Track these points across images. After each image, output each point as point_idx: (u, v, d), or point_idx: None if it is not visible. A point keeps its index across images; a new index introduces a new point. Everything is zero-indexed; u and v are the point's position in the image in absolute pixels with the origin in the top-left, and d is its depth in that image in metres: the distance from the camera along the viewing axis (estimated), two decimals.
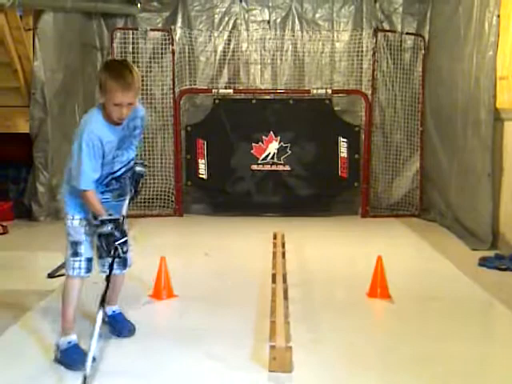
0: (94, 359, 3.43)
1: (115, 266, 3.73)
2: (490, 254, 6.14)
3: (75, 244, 3.68)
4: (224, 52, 9.08)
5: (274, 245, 6.14)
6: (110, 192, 3.79)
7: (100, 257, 3.81)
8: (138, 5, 8.89)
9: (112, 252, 3.56)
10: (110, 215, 3.58)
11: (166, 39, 8.85)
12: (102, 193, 3.72)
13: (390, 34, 8.90)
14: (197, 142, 8.73)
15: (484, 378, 3.54)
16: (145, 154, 8.79)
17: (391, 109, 8.96)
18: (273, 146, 8.71)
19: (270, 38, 9.08)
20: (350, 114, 8.99)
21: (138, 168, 3.89)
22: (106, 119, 3.55)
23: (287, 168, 8.75)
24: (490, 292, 5.03)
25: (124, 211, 3.77)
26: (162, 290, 4.90)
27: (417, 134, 8.83)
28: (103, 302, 3.59)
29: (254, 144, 8.73)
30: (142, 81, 8.82)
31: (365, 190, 8.76)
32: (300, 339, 3.89)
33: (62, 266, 5.66)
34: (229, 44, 9.08)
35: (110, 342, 4.00)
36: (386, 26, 9.00)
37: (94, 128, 3.49)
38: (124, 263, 3.97)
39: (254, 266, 5.92)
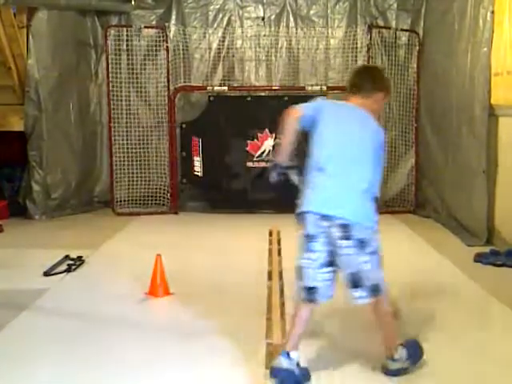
0: None
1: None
2: (486, 249, 6.15)
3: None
4: (218, 49, 9.06)
5: (270, 242, 6.14)
6: None
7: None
8: (132, 2, 8.88)
9: None
10: None
11: (160, 36, 8.82)
12: None
13: (384, 30, 8.91)
14: (192, 139, 8.72)
15: (482, 368, 3.56)
16: (140, 152, 8.80)
17: (386, 105, 8.94)
18: (268, 143, 8.70)
19: (264, 35, 9.07)
20: None
21: None
22: None
23: None
24: (485, 288, 5.04)
25: None
26: (157, 287, 4.89)
27: (411, 131, 8.83)
28: None
29: (249, 141, 8.72)
30: (136, 78, 8.86)
31: None
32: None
33: (58, 264, 5.68)
34: (223, 41, 9.07)
35: (104, 341, 4.00)
36: (381, 23, 9.00)
37: None
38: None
39: (249, 263, 5.92)
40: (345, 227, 3.24)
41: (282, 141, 3.50)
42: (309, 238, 3.32)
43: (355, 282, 3.34)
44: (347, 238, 3.25)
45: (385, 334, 3.49)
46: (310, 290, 3.35)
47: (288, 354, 3.29)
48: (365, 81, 3.56)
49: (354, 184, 3.30)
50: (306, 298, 3.36)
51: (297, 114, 3.44)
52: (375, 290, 3.35)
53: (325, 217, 3.26)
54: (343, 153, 3.34)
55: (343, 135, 3.40)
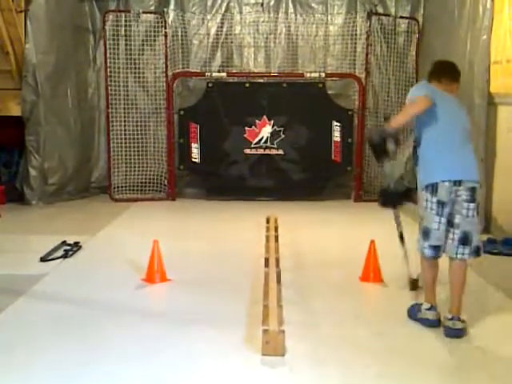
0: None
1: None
2: (483, 238, 6.13)
3: None
4: (217, 35, 9.03)
5: (267, 229, 6.13)
6: None
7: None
8: None
9: None
10: None
11: (158, 22, 8.78)
12: None
13: (383, 17, 8.87)
14: (190, 125, 8.70)
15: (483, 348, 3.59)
16: (137, 138, 8.77)
17: (385, 93, 8.94)
18: (266, 130, 8.69)
19: (263, 21, 9.03)
20: (344, 97, 8.96)
21: None
22: None
23: (280, 152, 8.72)
24: (482, 276, 5.05)
25: None
26: (154, 273, 4.89)
27: None
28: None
29: (247, 128, 8.70)
30: (134, 64, 8.81)
31: (358, 175, 8.75)
32: (293, 323, 3.89)
33: (55, 250, 5.68)
34: (222, 27, 9.03)
35: (101, 326, 4.00)
36: (380, 10, 8.98)
37: None
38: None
39: (246, 250, 5.92)
40: (472, 190, 3.88)
41: (401, 117, 4.04)
42: (439, 203, 3.88)
43: (464, 240, 3.89)
44: (473, 200, 3.88)
45: (458, 293, 3.94)
46: (436, 249, 3.95)
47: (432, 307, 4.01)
48: (449, 73, 4.13)
49: (469, 153, 3.97)
50: (433, 256, 3.98)
51: (428, 103, 3.86)
52: (477, 251, 3.94)
53: (457, 182, 3.85)
54: (457, 129, 3.96)
55: (454, 114, 3.99)
